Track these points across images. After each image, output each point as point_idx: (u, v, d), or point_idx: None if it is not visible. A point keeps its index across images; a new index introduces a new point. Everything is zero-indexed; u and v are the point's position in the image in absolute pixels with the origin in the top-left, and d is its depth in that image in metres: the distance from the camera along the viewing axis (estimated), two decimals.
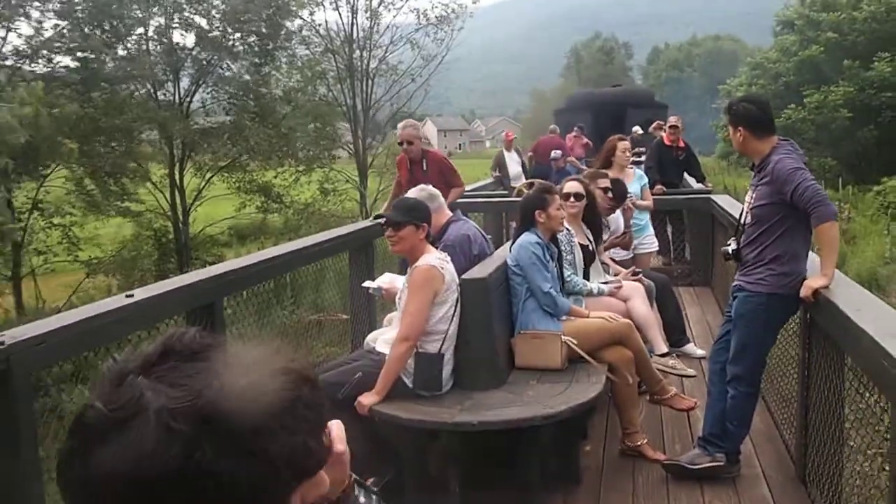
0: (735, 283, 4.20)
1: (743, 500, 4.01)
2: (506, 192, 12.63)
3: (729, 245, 4.30)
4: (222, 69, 22.86)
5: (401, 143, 6.97)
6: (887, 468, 2.92)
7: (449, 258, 4.17)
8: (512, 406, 3.89)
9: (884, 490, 3.01)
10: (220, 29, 21.97)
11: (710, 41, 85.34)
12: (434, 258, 4.02)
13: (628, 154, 7.15)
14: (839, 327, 3.38)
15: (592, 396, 3.99)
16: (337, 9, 26.64)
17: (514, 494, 3.99)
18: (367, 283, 4.87)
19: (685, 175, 10.77)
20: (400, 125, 7.29)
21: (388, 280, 4.71)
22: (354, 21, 26.82)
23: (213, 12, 21.96)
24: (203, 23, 21.92)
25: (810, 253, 4.07)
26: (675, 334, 6.43)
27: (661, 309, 6.42)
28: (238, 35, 22.27)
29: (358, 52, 26.92)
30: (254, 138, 21.05)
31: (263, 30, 22.23)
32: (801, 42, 30.98)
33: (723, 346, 4.28)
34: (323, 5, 25.85)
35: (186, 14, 21.86)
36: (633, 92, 30.07)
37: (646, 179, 7.61)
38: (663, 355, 5.72)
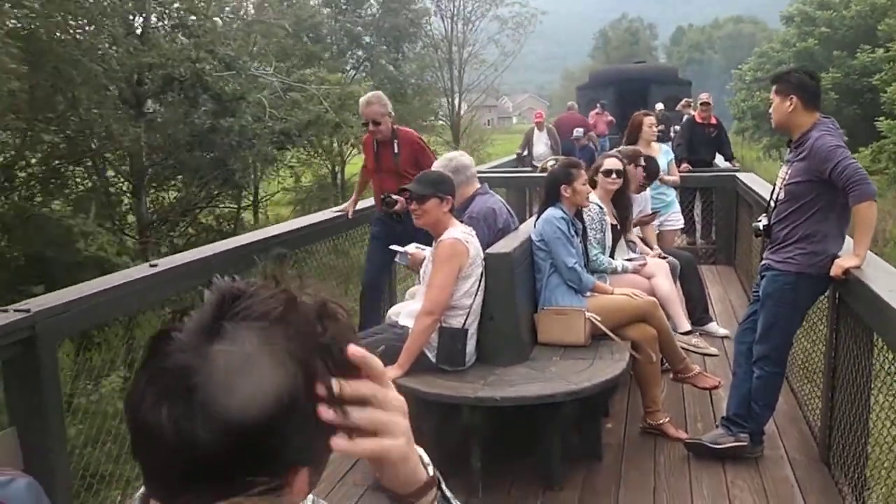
0: (763, 261, 4.15)
1: (766, 481, 3.97)
2: (528, 168, 12.57)
3: (760, 221, 4.23)
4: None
5: (365, 124, 5.82)
6: None
7: (474, 232, 4.14)
8: (535, 382, 3.87)
9: None
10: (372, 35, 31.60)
11: (732, 24, 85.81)
12: (459, 232, 3.99)
13: (655, 129, 7.07)
14: (870, 308, 3.33)
15: (616, 374, 3.96)
16: (441, 16, 38.72)
17: (536, 470, 3.98)
18: (394, 247, 4.83)
19: (717, 154, 10.67)
20: (362, 100, 5.90)
21: (414, 246, 4.68)
22: (454, 25, 39.24)
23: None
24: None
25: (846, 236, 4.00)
26: (698, 313, 6.39)
27: (684, 287, 6.38)
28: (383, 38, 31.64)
29: (455, 48, 39.24)
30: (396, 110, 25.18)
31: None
32: (799, 35, 35.54)
33: (749, 326, 4.23)
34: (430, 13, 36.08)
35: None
36: (656, 68, 29.79)
37: (672, 155, 7.54)
38: (686, 333, 5.67)
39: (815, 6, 35.14)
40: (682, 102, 14.86)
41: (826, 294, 4.13)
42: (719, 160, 10.73)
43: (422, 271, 4.20)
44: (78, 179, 15.36)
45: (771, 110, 4.02)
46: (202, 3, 15.80)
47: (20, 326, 3.03)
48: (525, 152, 13.93)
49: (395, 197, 5.30)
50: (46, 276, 10.59)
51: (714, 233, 9.72)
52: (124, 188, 16.24)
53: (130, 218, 15.90)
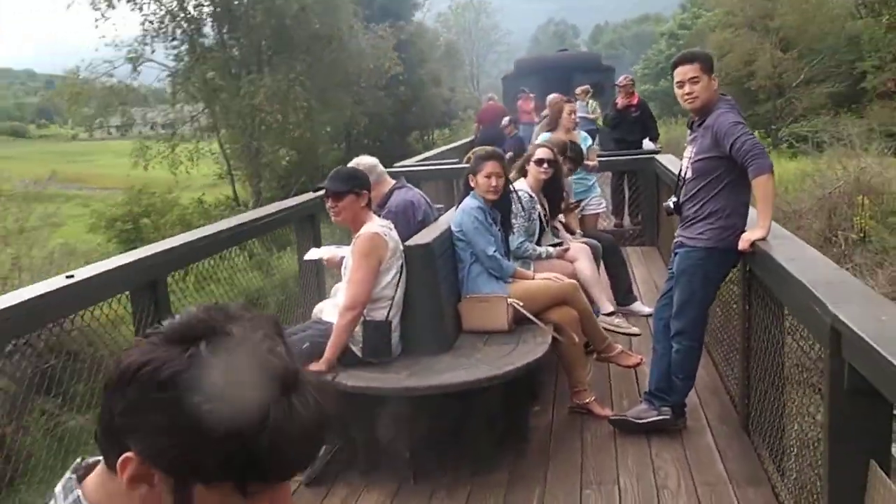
0: (676, 238, 4.25)
1: (689, 451, 4.09)
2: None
3: (671, 200, 4.34)
4: None
5: None
6: (822, 412, 3.01)
7: (392, 225, 4.17)
8: (459, 369, 3.92)
9: (820, 429, 3.09)
10: None
11: (636, 24, 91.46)
12: (377, 226, 4.01)
13: (574, 116, 7.20)
14: (775, 277, 3.45)
15: (537, 356, 4.03)
16: None
17: (465, 457, 4.03)
18: (308, 255, 4.86)
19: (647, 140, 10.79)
20: None
21: (329, 251, 4.70)
22: None
23: None
24: None
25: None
26: (622, 293, 6.52)
27: (608, 269, 6.50)
28: None
29: None
30: None
31: None
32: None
33: (666, 302, 4.34)
34: None
35: None
36: (579, 56, 30.18)
37: (590, 140, 7.67)
38: (609, 314, 5.78)
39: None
40: (580, 90, 14.93)
41: (737, 267, 4.26)
42: (648, 144, 10.89)
43: (343, 267, 4.22)
44: None
45: (695, 89, 3.97)
46: None
47: None
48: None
49: None
50: None
51: (640, 214, 9.90)
52: None
53: None
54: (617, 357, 4.84)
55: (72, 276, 4.05)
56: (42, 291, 3.72)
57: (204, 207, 20.72)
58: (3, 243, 11.15)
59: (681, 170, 4.29)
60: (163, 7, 22.16)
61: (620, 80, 10.95)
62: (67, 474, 0.97)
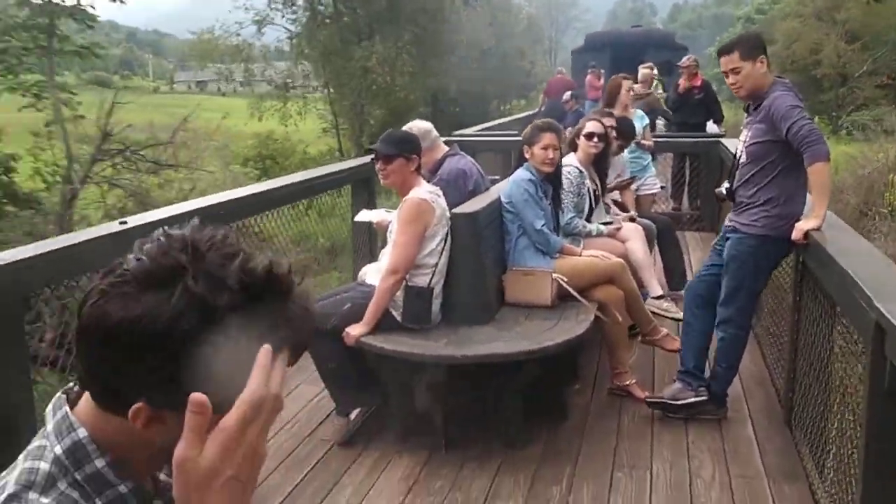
0: (728, 223, 4.16)
1: (727, 442, 4.02)
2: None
3: (723, 185, 4.24)
4: None
5: None
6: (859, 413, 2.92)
7: (441, 192, 4.14)
8: (497, 341, 3.89)
9: (858, 433, 3.00)
10: None
11: (715, 5, 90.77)
12: (424, 191, 3.99)
13: (632, 93, 7.07)
14: (826, 269, 3.35)
15: (577, 334, 3.97)
16: None
17: (499, 429, 4.02)
18: (358, 217, 4.87)
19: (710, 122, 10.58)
20: None
21: (379, 214, 4.69)
22: None
23: None
24: None
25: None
26: (676, 277, 6.41)
27: (662, 252, 6.41)
28: None
29: None
30: None
31: None
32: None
33: (705, 278, 4.27)
34: None
35: None
36: (652, 32, 29.55)
37: (647, 120, 7.51)
38: (658, 297, 5.70)
39: None
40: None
41: (790, 256, 4.15)
42: (711, 126, 10.66)
43: (388, 231, 4.21)
44: None
45: (738, 78, 3.90)
46: None
47: None
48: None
49: None
50: None
51: (699, 199, 9.72)
52: None
53: None
54: (661, 340, 4.78)
55: (125, 223, 4.12)
56: (94, 235, 3.79)
57: (310, 156, 23.04)
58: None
59: (735, 154, 4.18)
60: None
61: (683, 61, 10.68)
62: (58, 394, 0.98)
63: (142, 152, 14.62)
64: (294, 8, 25.79)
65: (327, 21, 25.07)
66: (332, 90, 25.38)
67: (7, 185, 12.08)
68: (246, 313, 0.86)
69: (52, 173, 13.46)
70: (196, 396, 0.81)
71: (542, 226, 4.48)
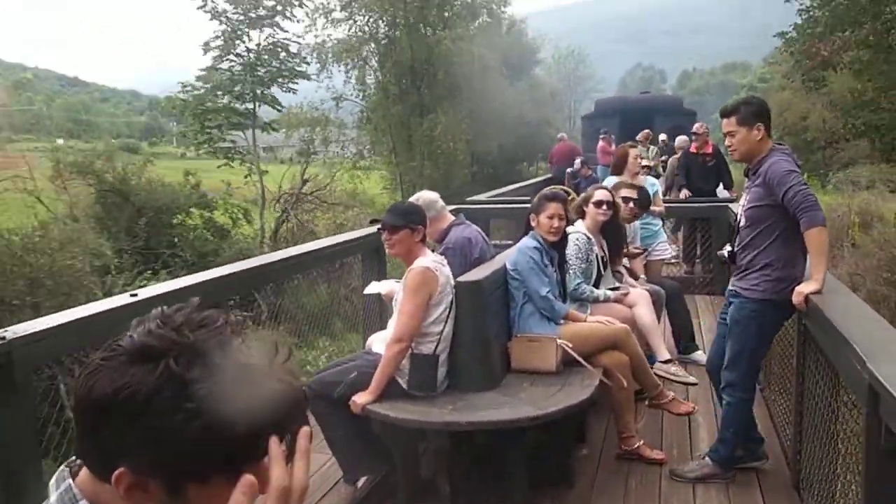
0: (730, 287, 4.21)
1: None
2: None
3: (725, 248, 4.30)
4: None
5: None
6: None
7: (445, 261, 4.22)
8: (502, 407, 3.92)
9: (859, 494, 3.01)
10: None
11: (722, 72, 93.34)
12: (429, 260, 4.07)
13: (640, 161, 7.19)
14: (826, 332, 3.38)
15: (582, 399, 4.01)
16: None
17: (504, 496, 4.02)
18: (367, 289, 4.96)
19: (720, 186, 10.73)
20: None
21: (388, 285, 4.77)
22: None
23: None
24: None
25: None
26: (684, 341, 6.44)
27: (670, 316, 6.44)
28: None
29: None
30: None
31: None
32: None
33: (719, 351, 4.31)
34: None
35: None
36: (661, 98, 29.91)
37: (657, 187, 7.63)
38: (665, 362, 5.72)
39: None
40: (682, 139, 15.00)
41: (792, 319, 4.19)
42: (722, 192, 10.79)
43: (394, 300, 4.29)
44: None
45: (733, 142, 4.02)
46: None
47: None
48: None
49: None
50: None
51: (711, 262, 9.77)
52: None
53: None
54: (668, 404, 4.80)
55: (135, 295, 4.21)
56: (105, 308, 3.87)
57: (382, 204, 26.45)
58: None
59: (736, 217, 4.26)
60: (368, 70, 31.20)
61: (696, 127, 10.90)
62: (62, 467, 1.04)
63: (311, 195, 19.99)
64: (364, 87, 31.38)
65: (395, 98, 30.25)
66: (396, 154, 30.20)
67: (209, 220, 16.61)
68: (226, 391, 0.93)
69: (234, 214, 17.87)
70: (247, 478, 0.91)
71: (547, 293, 4.54)
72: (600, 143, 17.81)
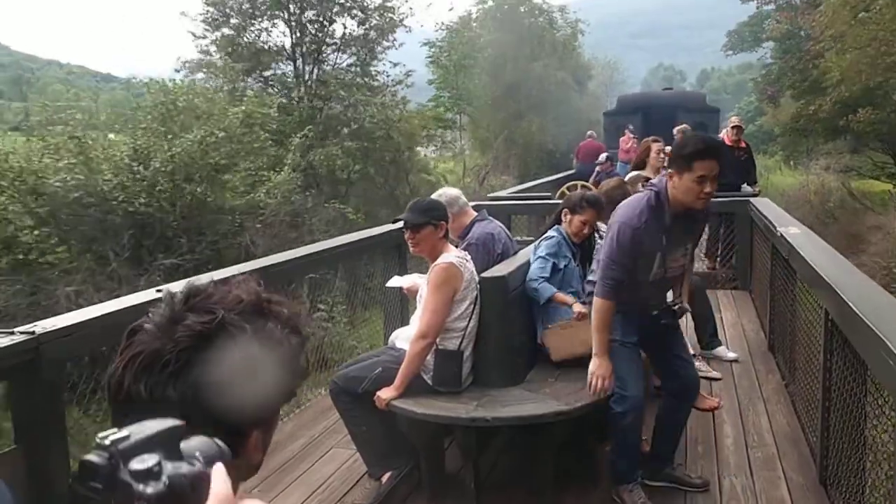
0: None
1: (760, 500, 3.99)
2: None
3: None
4: None
5: None
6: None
7: (469, 256, 4.22)
8: (527, 403, 3.92)
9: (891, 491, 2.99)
10: None
11: (739, 72, 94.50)
12: (453, 256, 4.07)
13: (662, 156, 7.13)
14: (855, 328, 3.35)
15: (608, 394, 3.99)
16: None
17: (530, 492, 4.02)
18: (390, 282, 4.96)
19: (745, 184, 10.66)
20: None
21: (410, 279, 4.78)
22: None
23: None
24: None
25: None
26: (707, 336, 6.40)
27: (693, 311, 6.39)
28: None
29: None
30: None
31: None
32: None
33: None
34: None
35: None
36: (684, 94, 29.87)
37: None
38: None
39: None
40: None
41: (819, 314, 4.15)
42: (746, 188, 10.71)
43: (418, 296, 4.29)
44: None
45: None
46: None
47: (25, 348, 3.14)
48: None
49: None
50: None
51: (734, 258, 9.70)
52: None
53: None
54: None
55: (160, 290, 4.24)
56: (131, 304, 3.90)
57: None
58: None
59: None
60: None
61: (736, 120, 10.87)
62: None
63: None
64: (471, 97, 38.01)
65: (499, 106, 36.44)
66: (495, 148, 35.35)
67: None
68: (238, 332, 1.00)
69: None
70: None
71: (539, 278, 4.52)
72: (623, 138, 17.78)
